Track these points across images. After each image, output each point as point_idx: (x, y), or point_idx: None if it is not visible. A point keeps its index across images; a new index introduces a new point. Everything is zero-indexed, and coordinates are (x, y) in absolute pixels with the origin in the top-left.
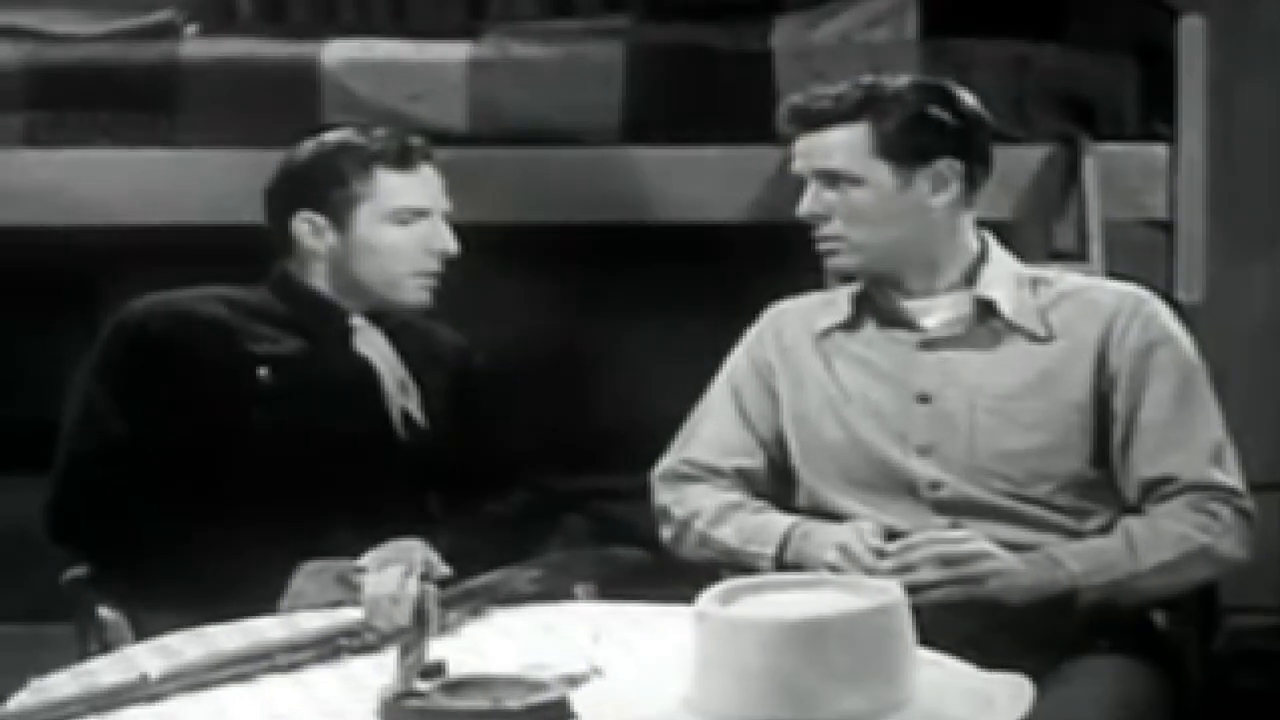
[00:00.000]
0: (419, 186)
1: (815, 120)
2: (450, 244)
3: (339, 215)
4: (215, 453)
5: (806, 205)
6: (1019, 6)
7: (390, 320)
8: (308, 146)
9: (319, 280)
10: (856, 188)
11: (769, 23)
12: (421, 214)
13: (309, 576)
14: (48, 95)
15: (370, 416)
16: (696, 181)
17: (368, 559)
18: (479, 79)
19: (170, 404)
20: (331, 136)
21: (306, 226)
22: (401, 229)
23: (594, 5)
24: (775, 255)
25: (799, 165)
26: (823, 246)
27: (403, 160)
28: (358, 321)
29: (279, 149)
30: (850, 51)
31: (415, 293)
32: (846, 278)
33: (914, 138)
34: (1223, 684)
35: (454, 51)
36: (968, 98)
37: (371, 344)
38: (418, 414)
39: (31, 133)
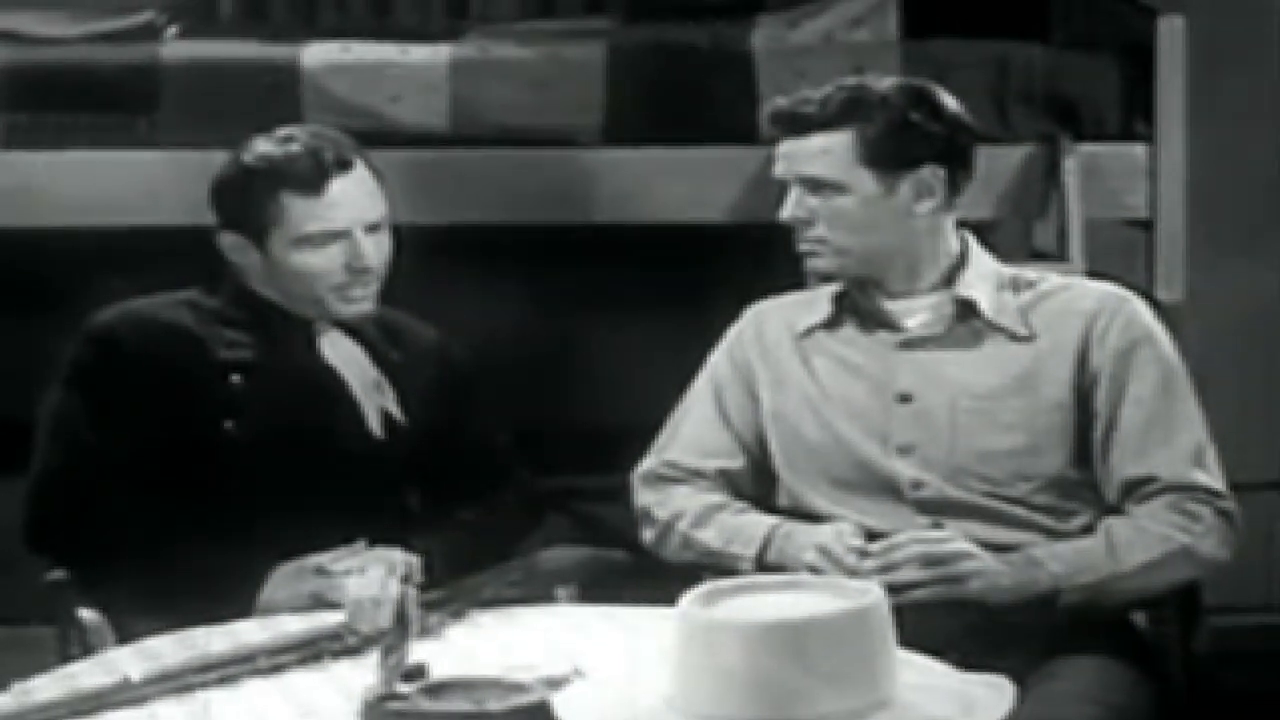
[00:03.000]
0: (328, 209)
1: (799, 125)
2: (370, 259)
3: (257, 236)
4: (190, 458)
5: (789, 210)
6: (1000, 7)
7: (362, 319)
8: (229, 161)
9: (267, 290)
10: (840, 194)
11: (750, 23)
12: (335, 236)
13: (282, 579)
14: (28, 97)
15: (341, 419)
16: (678, 182)
17: (341, 558)
18: (460, 80)
19: (142, 412)
20: (251, 152)
21: (229, 244)
22: (315, 252)
23: (575, 6)
24: (756, 255)
25: (781, 169)
26: (804, 249)
27: (311, 182)
28: (320, 325)
29: None
30: (831, 52)
31: (345, 307)
32: (826, 278)
33: (898, 145)
34: (1205, 684)
35: (435, 53)
36: (951, 101)
37: (336, 346)
38: (397, 411)
39: (11, 134)
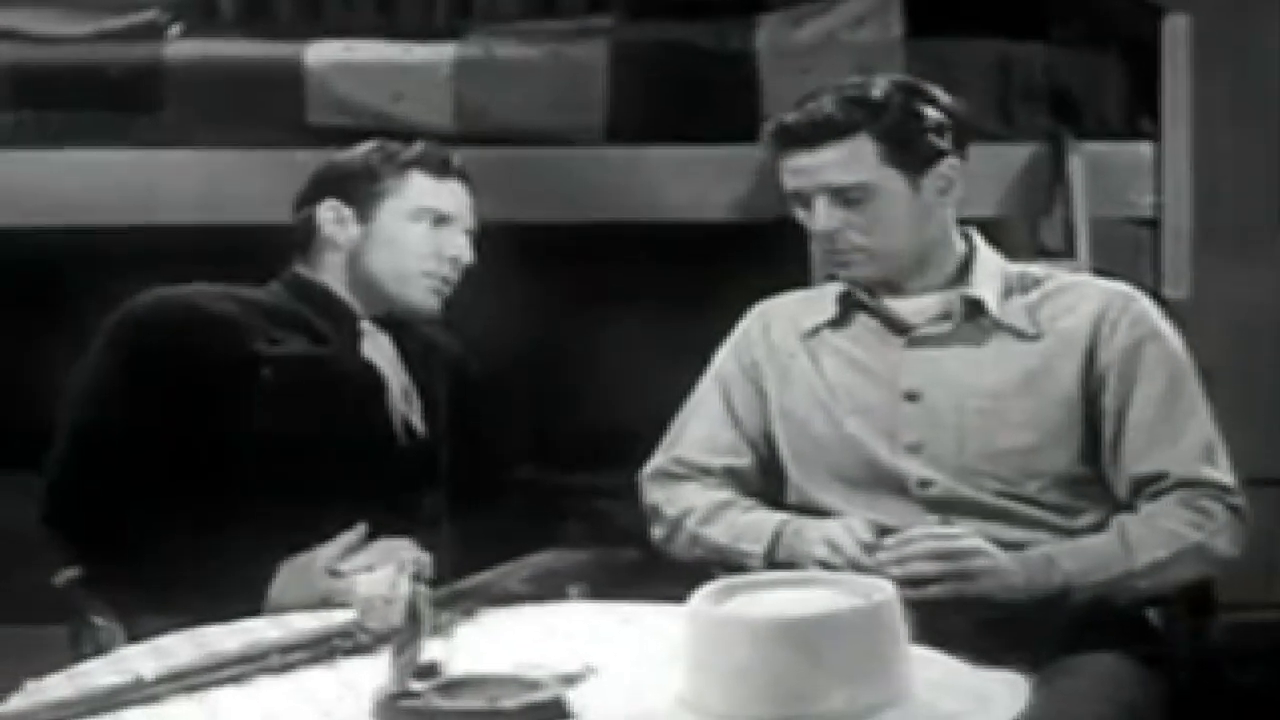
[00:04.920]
0: (447, 194)
1: (813, 136)
2: (465, 253)
3: (365, 208)
4: (212, 450)
5: (822, 223)
6: (1004, 5)
7: (394, 325)
8: (350, 150)
9: (331, 278)
10: (872, 198)
11: (753, 22)
12: (444, 219)
13: (292, 576)
14: (32, 96)
15: (372, 422)
16: (681, 180)
17: (346, 550)
18: (463, 79)
19: (171, 398)
20: (374, 143)
21: (331, 214)
22: (421, 228)
23: (578, 5)
24: (761, 253)
25: (799, 183)
26: (838, 260)
27: (439, 169)
28: (367, 326)
29: (263, 149)
30: (834, 51)
31: (424, 294)
32: (831, 275)
33: (916, 141)
34: (1216, 681)
35: (438, 51)
36: (942, 93)
37: (379, 349)
38: (418, 423)
39: (14, 133)
